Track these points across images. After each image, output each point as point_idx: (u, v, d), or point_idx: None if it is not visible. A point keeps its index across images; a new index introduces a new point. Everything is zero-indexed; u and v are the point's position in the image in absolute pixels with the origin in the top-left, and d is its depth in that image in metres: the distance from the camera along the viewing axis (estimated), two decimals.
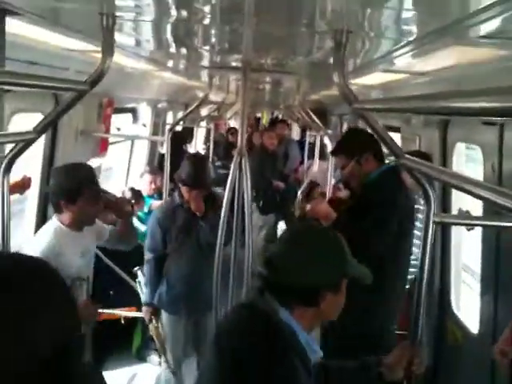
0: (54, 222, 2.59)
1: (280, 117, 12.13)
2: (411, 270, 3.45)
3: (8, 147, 1.76)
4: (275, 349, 1.31)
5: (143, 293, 3.36)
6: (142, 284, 3.40)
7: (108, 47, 1.55)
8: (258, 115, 12.69)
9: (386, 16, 1.43)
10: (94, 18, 1.54)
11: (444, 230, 3.46)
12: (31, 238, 2.63)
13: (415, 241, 3.35)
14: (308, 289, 1.38)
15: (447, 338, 3.37)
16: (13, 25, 1.79)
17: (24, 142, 1.59)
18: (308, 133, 6.55)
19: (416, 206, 3.46)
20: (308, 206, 2.95)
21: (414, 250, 3.41)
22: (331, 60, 1.58)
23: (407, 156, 1.53)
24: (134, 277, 3.53)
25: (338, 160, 3.07)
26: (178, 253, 3.21)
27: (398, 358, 1.61)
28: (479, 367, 2.87)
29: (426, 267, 1.61)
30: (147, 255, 3.30)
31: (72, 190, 2.52)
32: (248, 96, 2.96)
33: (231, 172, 2.83)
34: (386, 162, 2.93)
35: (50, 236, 2.51)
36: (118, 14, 1.52)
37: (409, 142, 4.18)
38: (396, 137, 4.60)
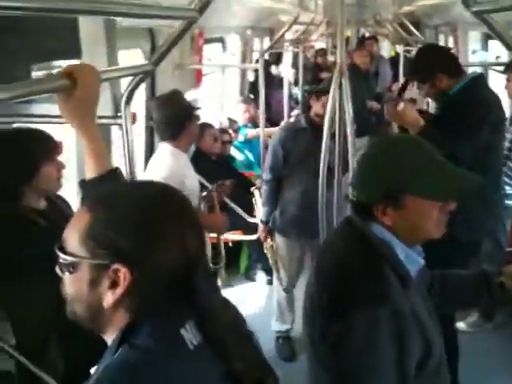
0: (168, 148, 2.77)
1: (367, 35, 11.54)
2: None
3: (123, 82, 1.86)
4: (366, 259, 1.33)
5: (261, 211, 3.45)
6: (258, 203, 3.49)
7: None
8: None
9: None
10: None
11: None
12: (153, 167, 2.82)
13: None
14: (363, 203, 1.38)
15: None
16: None
17: (141, 75, 1.67)
18: (402, 48, 6.22)
19: None
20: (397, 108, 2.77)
21: None
22: None
23: None
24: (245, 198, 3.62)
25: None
26: (294, 176, 3.20)
27: None
28: None
29: None
30: (267, 175, 3.33)
31: (191, 111, 2.81)
32: (344, 10, 2.84)
33: (331, 92, 2.78)
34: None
35: (170, 159, 2.74)
36: None
37: None
38: None
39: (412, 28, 4.65)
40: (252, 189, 3.57)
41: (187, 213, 0.99)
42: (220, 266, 2.90)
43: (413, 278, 1.37)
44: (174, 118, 2.76)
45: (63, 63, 2.25)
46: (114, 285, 0.90)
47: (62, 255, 0.93)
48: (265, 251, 3.56)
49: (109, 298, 0.91)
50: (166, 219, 0.94)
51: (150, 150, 3.70)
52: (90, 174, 1.32)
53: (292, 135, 3.26)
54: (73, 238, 0.93)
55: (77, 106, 1.25)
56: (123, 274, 0.89)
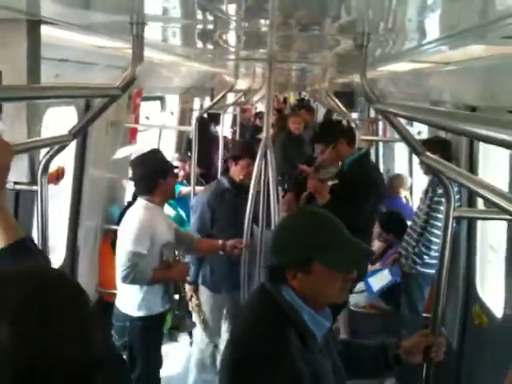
0: (142, 202, 2.97)
1: (307, 98, 12.07)
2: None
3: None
4: (272, 323, 1.44)
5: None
6: None
7: (138, 53, 1.62)
8: (287, 95, 12.72)
9: (404, 20, 1.46)
10: (125, 26, 1.62)
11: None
12: (127, 220, 3.01)
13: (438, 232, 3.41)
14: (277, 267, 1.50)
15: (473, 322, 3.40)
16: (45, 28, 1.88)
17: (60, 145, 1.70)
18: (335, 116, 6.53)
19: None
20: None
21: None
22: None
23: (427, 154, 1.58)
24: None
25: (318, 147, 4.12)
26: (223, 233, 3.28)
27: (416, 343, 1.68)
28: (505, 351, 2.89)
29: (446, 260, 1.66)
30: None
31: (165, 169, 3.00)
32: (273, 87, 3.01)
33: (257, 162, 2.89)
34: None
35: (142, 212, 2.93)
36: (147, 22, 1.59)
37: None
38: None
39: (336, 100, 4.91)
40: None
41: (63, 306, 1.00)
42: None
43: (318, 340, 1.49)
44: (148, 175, 2.94)
45: None
46: None
47: None
48: (190, 309, 3.58)
49: None
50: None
51: (77, 205, 3.66)
52: None
53: (216, 196, 3.39)
54: None
55: None
56: None
